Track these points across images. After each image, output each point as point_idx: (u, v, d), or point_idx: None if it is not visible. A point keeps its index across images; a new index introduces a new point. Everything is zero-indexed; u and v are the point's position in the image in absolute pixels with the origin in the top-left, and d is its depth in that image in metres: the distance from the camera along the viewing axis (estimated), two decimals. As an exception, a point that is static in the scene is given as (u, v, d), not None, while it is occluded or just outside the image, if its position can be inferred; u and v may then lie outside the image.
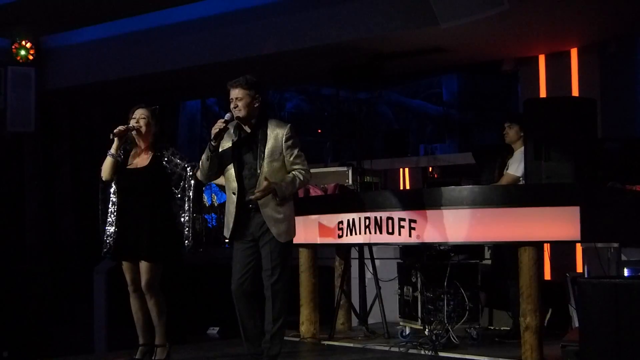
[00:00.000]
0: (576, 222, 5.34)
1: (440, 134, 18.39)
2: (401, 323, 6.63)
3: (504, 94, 16.47)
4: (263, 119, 5.16)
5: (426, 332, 6.18)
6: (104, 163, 5.38)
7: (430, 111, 19.07)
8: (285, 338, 5.54)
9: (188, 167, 5.39)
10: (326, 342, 6.63)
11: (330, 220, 6.49)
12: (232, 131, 5.17)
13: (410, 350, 6.09)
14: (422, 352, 5.98)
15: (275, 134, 5.11)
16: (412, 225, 5.90)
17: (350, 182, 7.62)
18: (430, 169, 14.02)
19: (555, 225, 5.46)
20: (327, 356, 6.15)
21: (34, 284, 13.03)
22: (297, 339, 6.70)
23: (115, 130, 5.35)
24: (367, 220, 6.19)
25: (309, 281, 6.73)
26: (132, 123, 5.41)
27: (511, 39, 9.91)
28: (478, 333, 6.32)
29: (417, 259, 6.43)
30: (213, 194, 15.54)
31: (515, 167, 6.49)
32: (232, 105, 5.11)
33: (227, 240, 5.25)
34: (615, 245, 6.22)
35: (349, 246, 7.00)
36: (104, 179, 5.40)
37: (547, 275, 7.67)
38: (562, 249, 7.95)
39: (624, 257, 6.33)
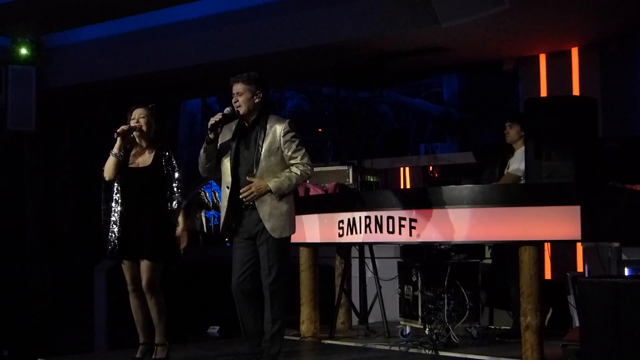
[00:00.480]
0: (577, 222, 5.34)
1: (441, 133, 18.39)
2: (401, 322, 6.61)
3: (505, 94, 16.45)
4: (264, 115, 5.16)
5: (426, 332, 6.17)
6: (106, 163, 5.36)
7: (430, 110, 19.07)
8: (286, 337, 5.53)
9: (178, 194, 5.38)
10: (326, 341, 6.62)
11: (331, 219, 6.48)
12: (232, 126, 5.17)
13: (411, 350, 6.07)
14: (423, 351, 5.96)
15: (274, 130, 5.09)
16: (413, 224, 5.90)
17: (351, 181, 7.62)
18: (431, 168, 14.02)
19: (555, 224, 5.45)
20: (328, 355, 6.13)
21: (35, 283, 13.05)
22: (298, 338, 6.68)
23: (118, 130, 5.34)
24: (368, 220, 6.18)
25: (310, 280, 6.72)
26: (132, 123, 5.41)
27: (512, 39, 9.91)
28: (478, 332, 6.30)
29: (418, 258, 6.43)
30: (214, 192, 15.56)
31: (516, 167, 6.47)
32: (233, 100, 5.12)
33: (226, 240, 5.23)
34: (616, 244, 6.22)
35: (349, 245, 6.98)
36: (107, 179, 5.38)
37: (548, 275, 7.66)
38: (563, 249, 7.94)
39: (624, 257, 6.33)
